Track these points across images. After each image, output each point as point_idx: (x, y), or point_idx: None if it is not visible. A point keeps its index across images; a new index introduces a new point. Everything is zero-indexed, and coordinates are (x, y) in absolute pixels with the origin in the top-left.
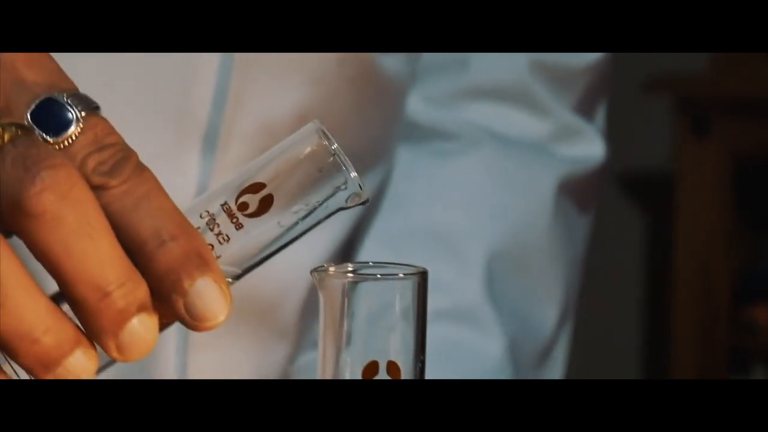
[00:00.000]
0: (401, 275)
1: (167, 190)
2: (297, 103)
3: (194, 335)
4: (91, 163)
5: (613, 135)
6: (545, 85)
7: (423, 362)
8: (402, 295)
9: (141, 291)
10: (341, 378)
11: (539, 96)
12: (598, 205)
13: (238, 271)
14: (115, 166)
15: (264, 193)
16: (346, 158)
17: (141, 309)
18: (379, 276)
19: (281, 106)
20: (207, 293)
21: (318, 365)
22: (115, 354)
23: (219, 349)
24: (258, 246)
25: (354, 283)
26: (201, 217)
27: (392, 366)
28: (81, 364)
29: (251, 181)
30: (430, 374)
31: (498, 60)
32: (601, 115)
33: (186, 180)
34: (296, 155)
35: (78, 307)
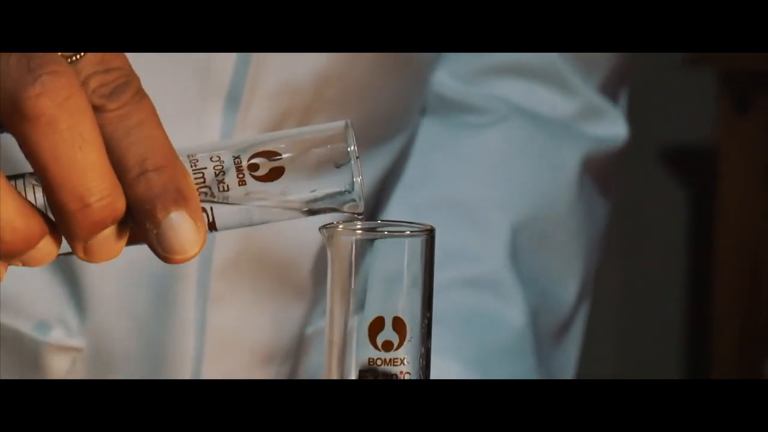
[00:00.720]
0: (408, 232)
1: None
2: (318, 65)
3: (213, 290)
4: (93, 84)
5: (655, 109)
6: (573, 65)
7: (429, 319)
8: (409, 253)
9: (119, 207)
10: (348, 334)
11: (566, 75)
12: (639, 180)
13: (219, 224)
14: (116, 90)
15: (277, 163)
16: (360, 167)
17: (114, 222)
18: (386, 233)
19: (303, 68)
20: (180, 227)
21: (326, 321)
22: (81, 255)
23: (237, 305)
24: (249, 208)
25: (362, 240)
26: (211, 159)
27: (398, 321)
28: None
29: (269, 148)
30: (453, 342)
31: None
32: (624, 97)
33: (208, 138)
34: (320, 143)
35: (57, 210)
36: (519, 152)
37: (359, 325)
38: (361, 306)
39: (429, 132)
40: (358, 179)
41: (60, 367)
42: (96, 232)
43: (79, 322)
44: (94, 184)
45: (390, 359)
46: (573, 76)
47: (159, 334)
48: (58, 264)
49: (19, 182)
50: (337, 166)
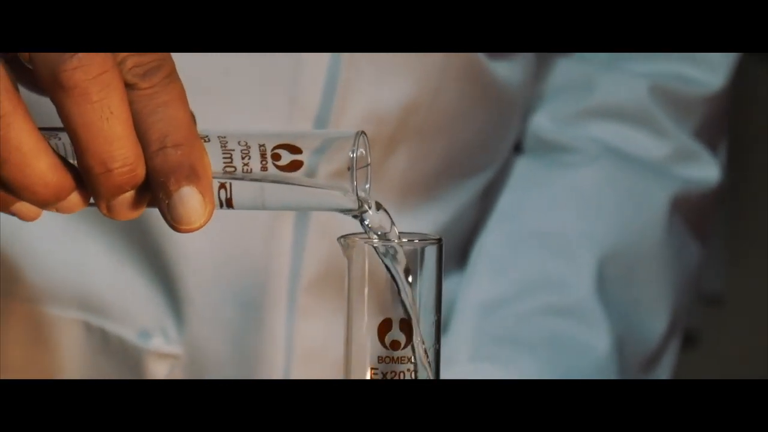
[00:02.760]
0: (417, 241)
1: None
2: (402, 96)
3: (301, 305)
4: (129, 63)
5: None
6: (665, 109)
7: (438, 322)
8: (418, 260)
9: (138, 175)
10: (358, 332)
11: (658, 119)
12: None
13: (236, 202)
14: (150, 71)
15: (298, 157)
16: (369, 174)
17: (134, 188)
18: (397, 242)
19: (388, 99)
20: (188, 200)
21: (344, 322)
22: (104, 211)
23: (323, 319)
24: (264, 193)
25: (375, 248)
26: (239, 143)
27: (404, 323)
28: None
29: (293, 143)
30: (538, 367)
31: (620, 83)
32: (723, 147)
33: None
34: (340, 147)
35: (84, 171)
36: (609, 189)
37: (369, 326)
38: (372, 308)
39: (524, 168)
40: (354, 184)
41: (159, 373)
42: (117, 195)
43: (177, 332)
44: (117, 153)
45: (397, 357)
46: (666, 120)
47: (250, 345)
48: (159, 277)
49: (56, 139)
50: (349, 169)
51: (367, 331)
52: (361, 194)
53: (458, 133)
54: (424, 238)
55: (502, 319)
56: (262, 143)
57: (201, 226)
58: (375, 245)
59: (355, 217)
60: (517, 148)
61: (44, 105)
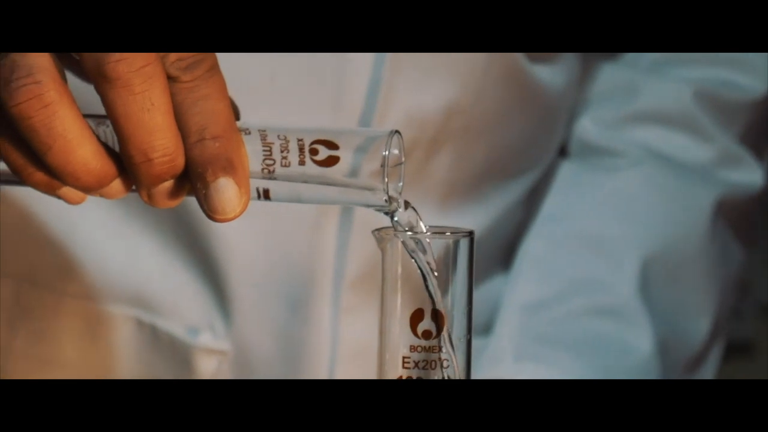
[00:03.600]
0: (448, 234)
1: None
2: (444, 98)
3: (345, 302)
4: (172, 56)
5: None
6: (709, 114)
7: (470, 312)
8: (450, 252)
9: (178, 165)
10: (391, 321)
11: (703, 123)
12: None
13: (273, 194)
14: (192, 65)
15: (335, 152)
16: (402, 173)
17: (173, 177)
18: (429, 234)
19: (430, 101)
20: (224, 190)
21: (379, 312)
22: (145, 199)
23: (367, 316)
24: (301, 186)
25: (407, 241)
26: (278, 137)
27: (435, 314)
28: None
29: (331, 139)
30: (580, 366)
31: (665, 88)
32: None
33: None
34: (375, 145)
35: (125, 160)
36: (652, 192)
37: (402, 315)
38: (405, 298)
39: (568, 172)
40: (386, 181)
41: (207, 368)
42: (157, 183)
43: (224, 328)
44: (157, 143)
45: (429, 346)
46: (710, 124)
47: (296, 341)
48: (208, 275)
49: (104, 126)
50: (382, 166)
51: (399, 321)
52: (392, 193)
53: (501, 136)
54: (455, 231)
55: (546, 319)
56: (300, 138)
57: (236, 217)
58: (405, 239)
59: (386, 213)
60: (562, 152)
61: (94, 92)
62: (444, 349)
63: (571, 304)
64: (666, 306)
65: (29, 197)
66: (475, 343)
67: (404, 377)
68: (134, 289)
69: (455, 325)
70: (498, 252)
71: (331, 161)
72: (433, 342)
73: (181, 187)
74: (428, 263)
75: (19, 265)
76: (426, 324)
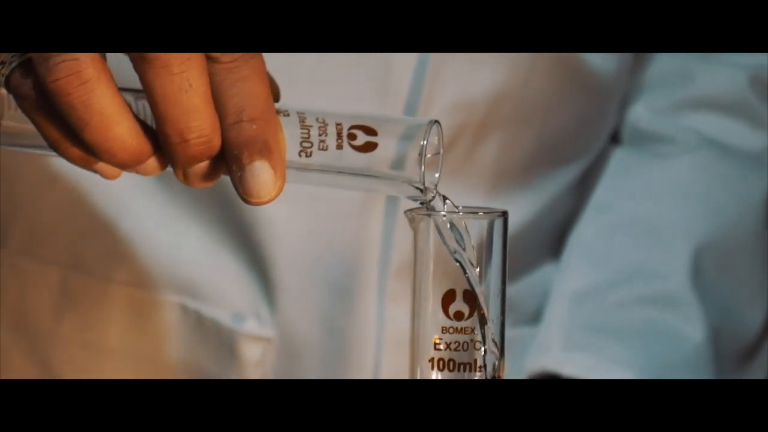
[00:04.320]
0: (482, 214)
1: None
2: (491, 85)
3: (391, 290)
4: None
5: None
6: (764, 100)
7: (503, 293)
8: (484, 233)
9: (214, 146)
10: (424, 302)
11: (758, 110)
12: None
13: (308, 176)
14: None
15: (373, 139)
16: (441, 164)
17: (209, 158)
18: (461, 213)
19: (478, 84)
20: (260, 174)
21: (411, 293)
22: (180, 178)
23: (405, 305)
24: (338, 170)
25: (440, 222)
26: (317, 120)
27: (468, 294)
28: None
29: (370, 124)
30: (630, 354)
31: (719, 74)
32: None
33: None
34: (415, 134)
35: (162, 140)
36: (706, 180)
37: (434, 296)
38: (437, 279)
39: (621, 159)
40: (422, 170)
41: (252, 355)
42: (192, 164)
43: (270, 315)
44: (194, 124)
45: (461, 328)
46: (765, 111)
47: (342, 328)
48: (253, 262)
49: (142, 100)
50: (420, 155)
51: (432, 302)
52: (427, 183)
53: (550, 122)
54: (489, 211)
55: (595, 308)
56: (339, 122)
57: (270, 200)
58: (438, 219)
59: (421, 204)
60: (615, 139)
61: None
62: (477, 332)
63: (621, 292)
64: (719, 295)
65: (76, 184)
66: (523, 331)
67: (436, 359)
68: (180, 276)
69: (489, 306)
70: (548, 240)
71: (369, 147)
72: (466, 323)
73: (217, 168)
74: (461, 244)
75: (65, 253)
76: (458, 305)
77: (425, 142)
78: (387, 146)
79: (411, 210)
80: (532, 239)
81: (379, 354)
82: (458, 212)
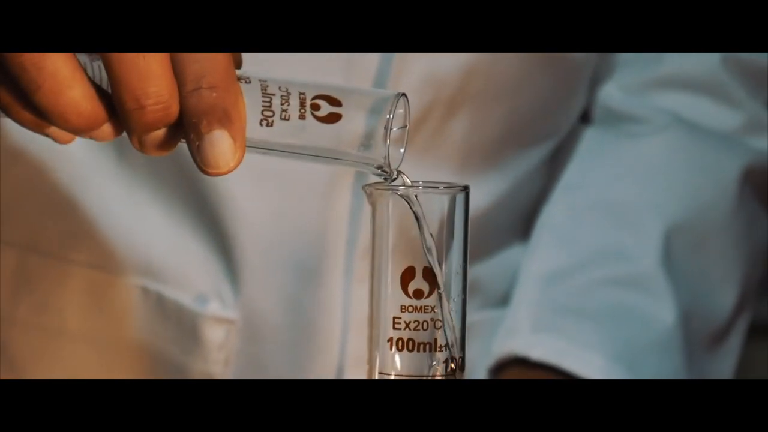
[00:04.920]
0: (441, 188)
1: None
2: (462, 61)
3: (357, 271)
4: None
5: None
6: (738, 80)
7: (465, 271)
8: (443, 208)
9: (171, 114)
10: (382, 280)
11: (731, 89)
12: None
13: (269, 147)
14: None
15: (337, 109)
16: (407, 138)
17: (166, 126)
18: (420, 188)
19: (447, 61)
20: (219, 143)
21: (368, 271)
22: (136, 145)
23: None
24: (300, 140)
25: (399, 197)
26: (279, 89)
27: (427, 272)
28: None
29: (334, 95)
30: (600, 337)
31: (691, 53)
32: None
33: None
34: (381, 106)
35: (118, 105)
36: (677, 160)
37: (393, 274)
38: (396, 256)
39: (591, 138)
40: (387, 143)
41: (215, 338)
42: (149, 131)
43: (233, 296)
44: (151, 90)
45: (420, 306)
46: (738, 90)
47: (307, 310)
48: (216, 243)
49: (97, 62)
50: (385, 128)
51: (391, 280)
52: (393, 156)
53: (520, 99)
54: (450, 186)
55: (565, 289)
56: (302, 91)
57: (229, 171)
58: (398, 194)
59: (385, 179)
60: (585, 119)
61: None
62: (436, 310)
63: (591, 274)
64: (690, 277)
65: (34, 162)
66: (492, 314)
67: (395, 339)
68: (141, 257)
69: (449, 284)
70: (517, 220)
71: (333, 118)
72: (425, 302)
73: (174, 136)
74: (419, 219)
75: (22, 233)
76: (417, 283)
77: (391, 116)
78: (351, 118)
79: (369, 185)
80: (500, 219)
81: (344, 336)
82: (418, 187)
